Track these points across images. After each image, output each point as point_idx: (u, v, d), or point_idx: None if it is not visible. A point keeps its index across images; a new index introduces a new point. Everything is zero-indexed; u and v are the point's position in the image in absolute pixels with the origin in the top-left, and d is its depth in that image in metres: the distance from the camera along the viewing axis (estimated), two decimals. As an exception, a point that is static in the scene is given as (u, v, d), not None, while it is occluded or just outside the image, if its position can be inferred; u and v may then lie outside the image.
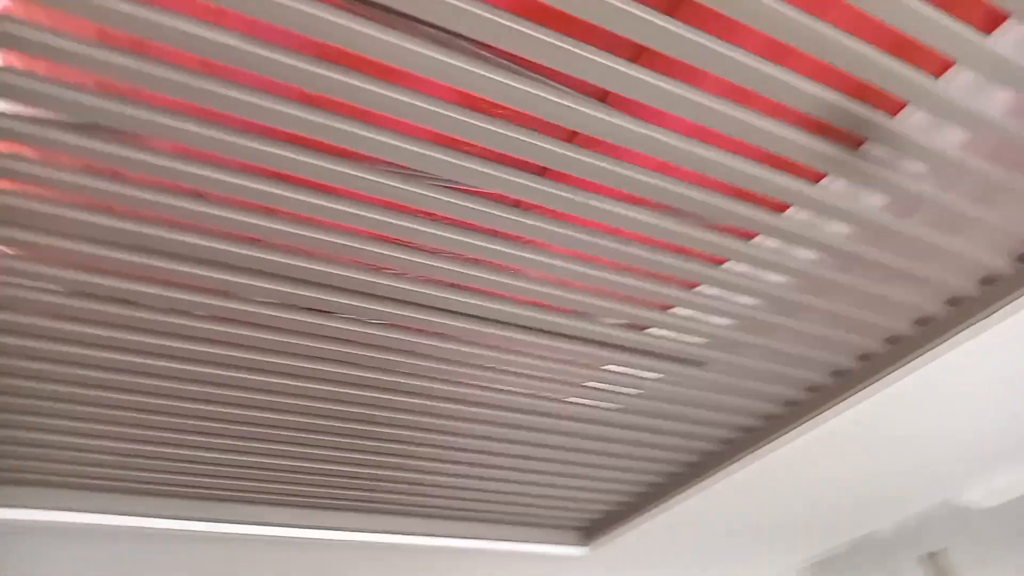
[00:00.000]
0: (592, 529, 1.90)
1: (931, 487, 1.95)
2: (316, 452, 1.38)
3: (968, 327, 1.18)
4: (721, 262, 1.10)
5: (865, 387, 1.34)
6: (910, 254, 1.07)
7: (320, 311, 1.05)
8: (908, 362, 1.27)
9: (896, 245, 1.05)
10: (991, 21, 0.91)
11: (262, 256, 0.93)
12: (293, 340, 1.08)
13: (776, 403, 1.43)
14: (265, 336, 1.07)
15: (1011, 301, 1.12)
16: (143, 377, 1.12)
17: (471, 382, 1.25)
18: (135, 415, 1.21)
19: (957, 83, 0.88)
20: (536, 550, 1.87)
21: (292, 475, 1.45)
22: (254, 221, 0.88)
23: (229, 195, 0.84)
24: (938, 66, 0.88)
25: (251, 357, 1.11)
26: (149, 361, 1.09)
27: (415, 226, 0.91)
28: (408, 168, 0.84)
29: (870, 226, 1.01)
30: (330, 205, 0.87)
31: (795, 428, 1.46)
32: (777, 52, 0.77)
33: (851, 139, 0.90)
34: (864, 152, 0.92)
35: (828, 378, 1.37)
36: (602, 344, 1.20)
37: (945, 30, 0.76)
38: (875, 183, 0.95)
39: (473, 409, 1.32)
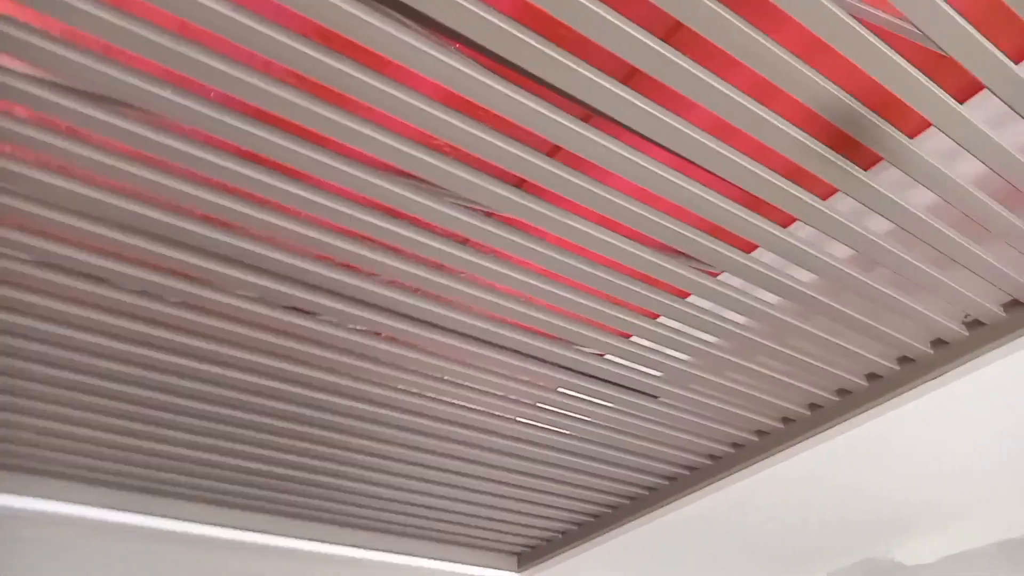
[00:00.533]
0: (527, 556, 1.88)
1: (864, 542, 1.97)
2: (254, 451, 1.33)
3: (920, 384, 1.21)
4: (685, 296, 1.10)
5: (810, 436, 1.35)
6: (867, 308, 1.09)
7: (273, 303, 1.02)
8: (855, 415, 1.29)
9: (855, 298, 1.06)
10: (968, 90, 0.94)
11: (233, 243, 0.90)
12: (247, 332, 1.05)
13: (723, 443, 1.44)
14: (215, 324, 1.04)
15: (963, 363, 1.15)
16: (99, 359, 1.08)
17: (421, 392, 1.23)
18: (89, 398, 1.16)
19: (928, 146, 0.90)
20: (468, 572, 1.83)
21: (222, 472, 1.40)
22: (232, 205, 0.85)
23: (210, 176, 0.82)
24: (913, 127, 0.90)
25: (200, 345, 1.07)
26: (104, 342, 1.05)
27: (384, 224, 0.89)
28: (384, 163, 0.82)
29: (832, 275, 1.02)
30: (305, 195, 0.84)
31: (739, 471, 1.46)
32: (763, 92, 0.78)
33: (824, 186, 0.91)
34: (832, 203, 0.94)
35: (777, 423, 1.38)
36: (559, 366, 1.19)
37: (924, 91, 0.78)
38: (840, 234, 0.96)
39: (420, 420, 1.29)
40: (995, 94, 0.79)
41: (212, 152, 0.79)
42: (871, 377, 1.26)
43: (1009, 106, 0.81)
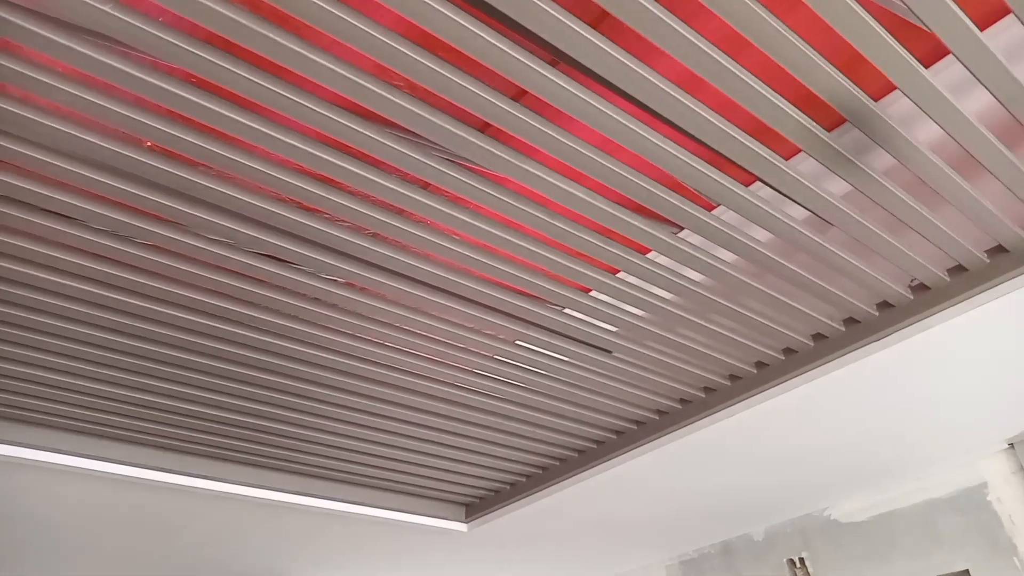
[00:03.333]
0: (475, 507, 1.90)
1: (802, 499, 2.04)
2: (210, 397, 1.31)
3: (864, 345, 1.24)
4: (646, 252, 1.10)
5: (757, 393, 1.38)
6: (818, 270, 1.11)
7: (228, 243, 0.99)
8: (801, 373, 1.32)
9: (807, 259, 1.08)
10: (933, 55, 0.94)
11: (195, 180, 0.86)
12: (211, 275, 1.02)
13: (671, 399, 1.46)
14: (182, 267, 1.00)
15: (907, 326, 1.19)
16: (62, 300, 1.04)
17: (378, 340, 1.22)
18: (51, 340, 1.12)
19: (892, 110, 0.91)
20: (416, 521, 1.85)
21: (173, 417, 1.37)
22: (191, 139, 0.82)
23: (166, 104, 0.78)
24: (879, 89, 0.91)
25: (165, 288, 1.04)
26: (67, 282, 1.01)
27: (343, 163, 0.87)
28: (343, 98, 0.79)
29: (788, 236, 1.03)
30: (263, 129, 0.81)
31: (685, 426, 1.49)
32: (732, 45, 0.77)
33: (788, 146, 0.92)
34: (794, 163, 0.95)
35: (725, 380, 1.40)
36: (518, 319, 1.19)
37: (892, 54, 0.78)
38: (799, 195, 0.97)
39: (376, 369, 1.28)
40: (960, 60, 0.80)
41: (166, 79, 0.75)
42: (817, 337, 1.29)
43: (972, 73, 0.82)
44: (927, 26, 0.76)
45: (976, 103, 0.90)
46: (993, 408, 1.56)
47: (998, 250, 1.10)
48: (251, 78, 0.75)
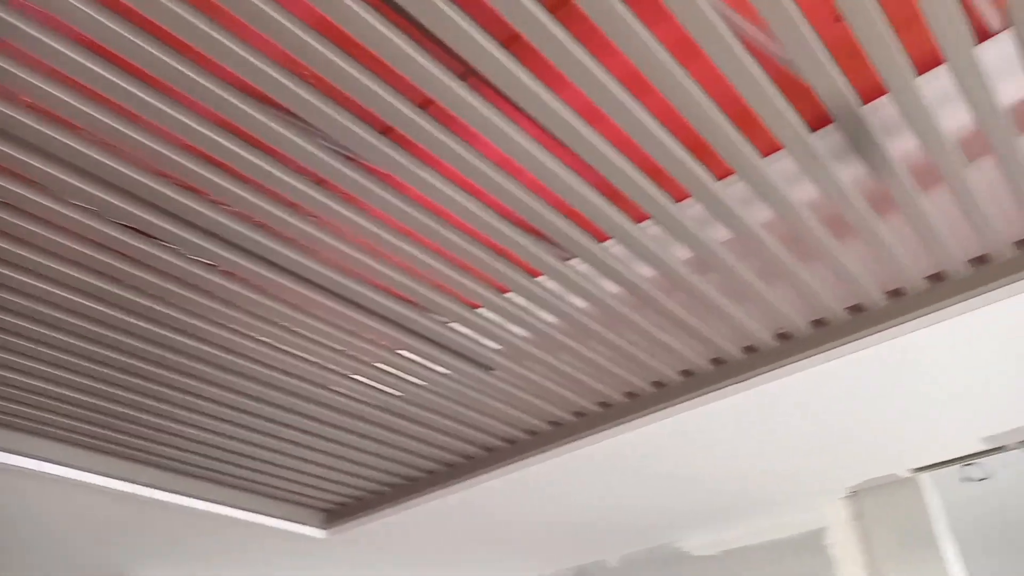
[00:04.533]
0: (336, 513, 1.85)
1: (658, 529, 2.12)
2: (58, 374, 1.21)
3: (730, 384, 1.31)
4: (537, 275, 1.12)
5: (626, 421, 1.42)
6: (693, 308, 1.16)
7: (91, 211, 0.92)
8: (669, 406, 1.38)
9: (684, 297, 1.13)
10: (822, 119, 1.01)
11: (73, 145, 0.80)
12: (76, 245, 0.95)
13: (543, 420, 1.48)
14: (42, 232, 0.93)
15: (772, 370, 1.26)
16: None
17: (252, 334, 1.17)
18: None
19: (776, 167, 0.97)
20: (272, 524, 1.78)
21: (30, 396, 1.26)
22: (72, 101, 0.76)
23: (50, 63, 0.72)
24: (767, 146, 0.96)
25: (21, 253, 0.96)
26: None
27: (239, 150, 0.83)
28: (245, 83, 0.76)
29: (670, 275, 1.08)
30: (156, 104, 0.77)
31: (553, 448, 1.52)
32: (637, 84, 0.80)
33: (678, 189, 0.96)
34: (683, 206, 0.99)
35: (595, 406, 1.44)
36: (400, 327, 1.17)
37: (779, 114, 0.83)
38: (684, 237, 1.01)
39: (246, 363, 1.23)
40: (840, 128, 0.86)
41: (55, 38, 0.70)
42: (684, 373, 1.34)
43: (850, 141, 0.88)
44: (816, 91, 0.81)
45: (850, 171, 0.97)
46: (837, 457, 1.67)
47: (856, 308, 1.19)
48: (149, 48, 0.71)
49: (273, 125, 0.80)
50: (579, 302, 1.16)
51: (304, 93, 0.77)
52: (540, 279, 1.11)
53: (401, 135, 0.82)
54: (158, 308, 1.09)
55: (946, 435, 1.61)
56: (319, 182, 0.91)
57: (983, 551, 3.00)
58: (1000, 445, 1.71)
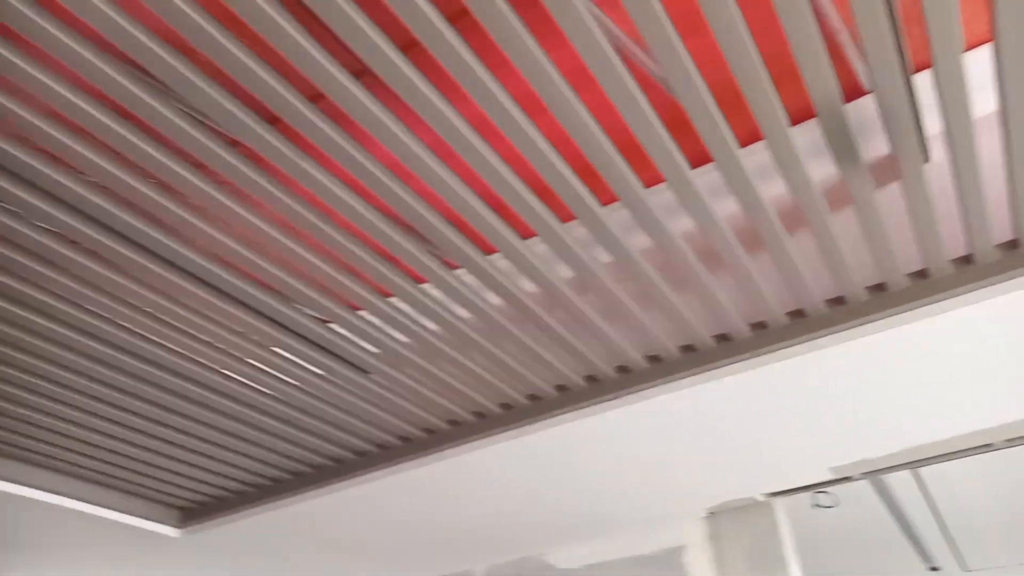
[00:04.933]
0: (193, 512, 1.77)
1: (524, 541, 2.14)
2: None
3: (604, 401, 1.34)
4: (422, 281, 1.11)
5: (500, 432, 1.44)
6: (572, 325, 1.19)
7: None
8: (542, 420, 1.40)
9: (563, 315, 1.15)
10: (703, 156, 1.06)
11: None
12: None
13: (417, 427, 1.48)
14: None
15: (643, 389, 1.30)
16: None
17: (116, 320, 1.11)
18: None
19: (657, 199, 1.01)
20: (125, 520, 1.68)
21: None
22: None
23: None
24: (651, 177, 1.00)
25: None
26: None
27: (108, 120, 0.79)
28: (117, 49, 0.72)
29: (551, 292, 1.10)
30: (16, 61, 0.71)
31: (426, 455, 1.51)
32: (532, 104, 0.82)
33: (565, 210, 0.98)
34: (569, 227, 1.01)
35: (470, 416, 1.44)
36: (277, 324, 1.14)
37: (664, 149, 0.87)
38: (568, 257, 1.04)
39: (107, 351, 1.16)
40: (719, 168, 0.91)
41: None
42: (560, 388, 1.37)
43: (726, 181, 0.93)
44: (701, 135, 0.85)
45: (725, 209, 1.02)
46: (698, 479, 1.75)
47: (722, 337, 1.25)
48: (17, 5, 0.66)
49: (152, 102, 0.76)
50: (462, 312, 1.16)
51: (187, 72, 0.73)
52: (425, 286, 1.11)
53: (289, 127, 0.80)
54: (5, 282, 1.01)
55: (798, 464, 1.71)
56: (199, 167, 0.87)
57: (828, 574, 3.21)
58: (846, 476, 1.84)
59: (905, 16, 0.87)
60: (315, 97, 0.78)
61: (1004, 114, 0.83)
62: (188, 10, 0.68)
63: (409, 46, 0.75)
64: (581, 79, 0.81)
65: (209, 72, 0.75)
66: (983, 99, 0.92)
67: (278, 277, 1.03)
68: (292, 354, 1.21)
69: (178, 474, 1.58)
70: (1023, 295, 1.09)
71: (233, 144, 0.85)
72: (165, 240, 0.95)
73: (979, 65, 0.94)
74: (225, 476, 1.60)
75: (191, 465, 1.54)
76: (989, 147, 0.94)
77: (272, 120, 0.81)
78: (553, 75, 0.76)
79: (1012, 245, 1.06)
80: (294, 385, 1.30)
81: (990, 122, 0.95)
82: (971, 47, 1.05)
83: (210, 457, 1.51)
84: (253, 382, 1.28)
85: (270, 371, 1.26)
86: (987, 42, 0.98)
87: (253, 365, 1.24)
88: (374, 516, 1.82)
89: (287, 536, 1.89)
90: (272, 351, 1.21)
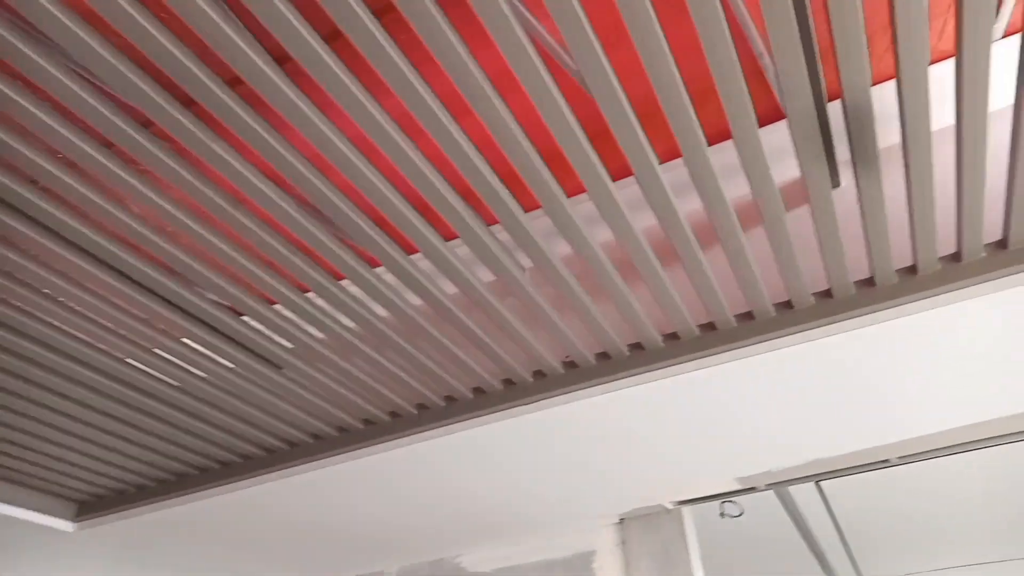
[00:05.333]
0: (90, 505, 1.69)
1: (439, 543, 2.13)
2: None
3: (518, 405, 1.35)
4: (340, 278, 1.09)
5: (413, 433, 1.43)
6: (490, 329, 1.19)
7: None
8: (454, 422, 1.40)
9: (482, 317, 1.16)
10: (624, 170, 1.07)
11: None
12: None
13: (330, 425, 1.45)
14: None
15: (560, 394, 1.32)
16: None
17: (11, 300, 1.05)
18: None
19: (581, 208, 1.02)
20: (16, 514, 1.60)
21: None
22: None
23: None
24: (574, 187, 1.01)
25: None
26: None
27: (10, 92, 0.75)
28: (34, 27, 0.69)
29: (472, 294, 1.10)
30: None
31: (337, 455, 1.49)
32: (457, 104, 0.82)
33: (489, 213, 0.98)
34: (494, 229, 1.02)
35: (385, 415, 1.43)
36: (186, 314, 1.10)
37: (587, 159, 0.88)
38: (490, 260, 1.04)
39: (7, 336, 1.10)
40: (639, 183, 0.93)
41: None
42: (476, 391, 1.37)
43: (645, 193, 0.95)
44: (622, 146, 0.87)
45: (644, 221, 1.04)
46: (609, 485, 1.78)
47: (637, 347, 1.27)
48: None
49: (58, 75, 0.73)
50: (380, 310, 1.15)
51: (99, 48, 0.70)
52: (343, 283, 1.09)
53: (205, 110, 0.78)
54: None
55: (705, 473, 1.76)
56: (108, 145, 0.84)
57: (730, 580, 3.31)
58: (752, 486, 1.91)
59: (823, 47, 0.90)
60: (233, 81, 0.76)
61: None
62: (101, -18, 0.65)
63: (333, 36, 0.74)
64: (507, 82, 0.82)
65: (122, 48, 0.72)
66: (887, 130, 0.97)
67: (188, 265, 1.00)
68: (201, 345, 1.17)
69: (75, 465, 1.51)
70: (922, 317, 1.15)
71: (146, 125, 0.82)
72: (67, 219, 0.91)
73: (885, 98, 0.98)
74: (125, 468, 1.54)
75: (89, 456, 1.47)
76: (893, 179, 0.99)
77: (187, 102, 0.79)
78: (477, 75, 0.76)
79: (910, 271, 1.12)
80: (201, 377, 1.26)
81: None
82: (878, 81, 1.11)
83: (110, 448, 1.45)
84: (158, 372, 1.24)
85: (176, 361, 1.21)
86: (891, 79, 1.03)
87: (158, 354, 1.19)
88: (283, 515, 1.78)
89: (189, 533, 1.83)
90: (179, 341, 1.17)
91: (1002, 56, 0.90)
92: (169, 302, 1.08)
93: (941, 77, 0.92)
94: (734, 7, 1.08)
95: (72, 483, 1.58)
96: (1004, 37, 1.14)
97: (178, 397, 1.30)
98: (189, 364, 1.22)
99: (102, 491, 1.64)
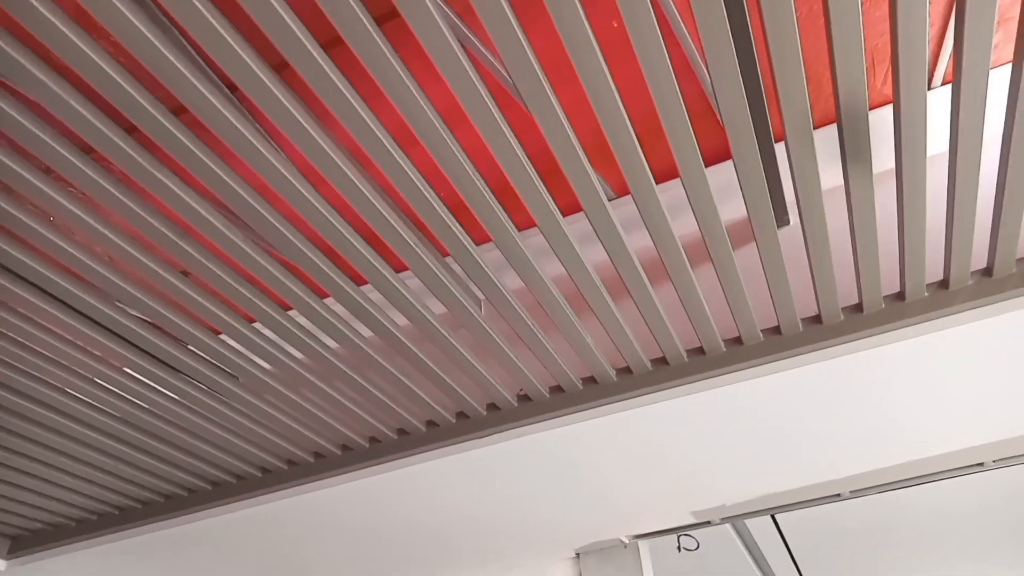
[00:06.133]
0: (23, 541, 1.62)
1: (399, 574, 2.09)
2: None
3: (471, 439, 1.34)
4: (287, 308, 1.08)
5: (367, 466, 1.40)
6: (441, 361, 1.18)
7: None
8: (408, 455, 1.38)
9: (434, 350, 1.15)
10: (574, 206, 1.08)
11: None
12: None
13: (279, 459, 1.42)
14: None
15: (512, 428, 1.31)
16: None
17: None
18: None
19: (531, 242, 1.03)
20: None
21: None
22: None
23: None
24: (525, 220, 1.02)
25: None
26: None
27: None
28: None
29: (423, 326, 1.09)
30: None
31: (288, 487, 1.46)
32: (406, 138, 0.82)
33: (440, 245, 0.98)
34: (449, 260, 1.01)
35: (335, 448, 1.41)
36: (128, 343, 1.07)
37: (538, 195, 0.88)
38: (441, 292, 1.03)
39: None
40: (589, 220, 0.93)
41: None
42: (429, 424, 1.36)
43: (595, 231, 0.95)
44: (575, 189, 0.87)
45: (593, 256, 1.05)
46: (565, 519, 1.76)
47: (590, 380, 1.27)
48: None
49: (-7, 98, 0.71)
50: (330, 342, 1.13)
51: (40, 73, 0.69)
52: (291, 313, 1.07)
53: (148, 138, 0.77)
54: None
55: (660, 508, 1.75)
56: (47, 171, 0.82)
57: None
58: (707, 520, 1.91)
59: (769, 90, 0.92)
60: (178, 110, 0.75)
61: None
62: (45, 11, 0.64)
63: (281, 66, 0.74)
64: (457, 116, 0.82)
65: (61, 71, 0.70)
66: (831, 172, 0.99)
67: (130, 294, 0.97)
68: (142, 375, 1.14)
69: (8, 499, 1.45)
70: (868, 354, 1.17)
71: (86, 151, 0.80)
72: (4, 246, 0.88)
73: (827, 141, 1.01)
74: (63, 502, 1.48)
75: (24, 489, 1.42)
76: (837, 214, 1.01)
77: (130, 129, 0.77)
78: (427, 110, 0.76)
79: (856, 308, 1.14)
80: (144, 408, 1.22)
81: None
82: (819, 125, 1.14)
83: (46, 480, 1.39)
84: (98, 402, 1.20)
85: (117, 391, 1.18)
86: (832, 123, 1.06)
87: (99, 384, 1.16)
88: (232, 550, 1.73)
89: (131, 570, 1.76)
90: (120, 370, 1.13)
91: (939, 103, 0.94)
92: (110, 331, 1.05)
93: (883, 119, 0.95)
94: (684, 46, 1.11)
95: (5, 517, 1.52)
96: (943, 85, 1.18)
97: (118, 428, 1.26)
98: (130, 394, 1.18)
99: (37, 525, 1.58)
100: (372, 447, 1.39)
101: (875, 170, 0.88)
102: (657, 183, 0.89)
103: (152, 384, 1.17)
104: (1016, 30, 0.74)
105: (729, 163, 1.24)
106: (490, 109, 0.76)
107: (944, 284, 1.09)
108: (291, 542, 1.72)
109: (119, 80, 0.70)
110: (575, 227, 0.97)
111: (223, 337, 1.09)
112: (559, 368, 1.21)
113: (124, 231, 0.89)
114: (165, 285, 0.96)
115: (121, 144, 0.77)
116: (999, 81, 0.96)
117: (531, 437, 1.35)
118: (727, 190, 1.14)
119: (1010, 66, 0.76)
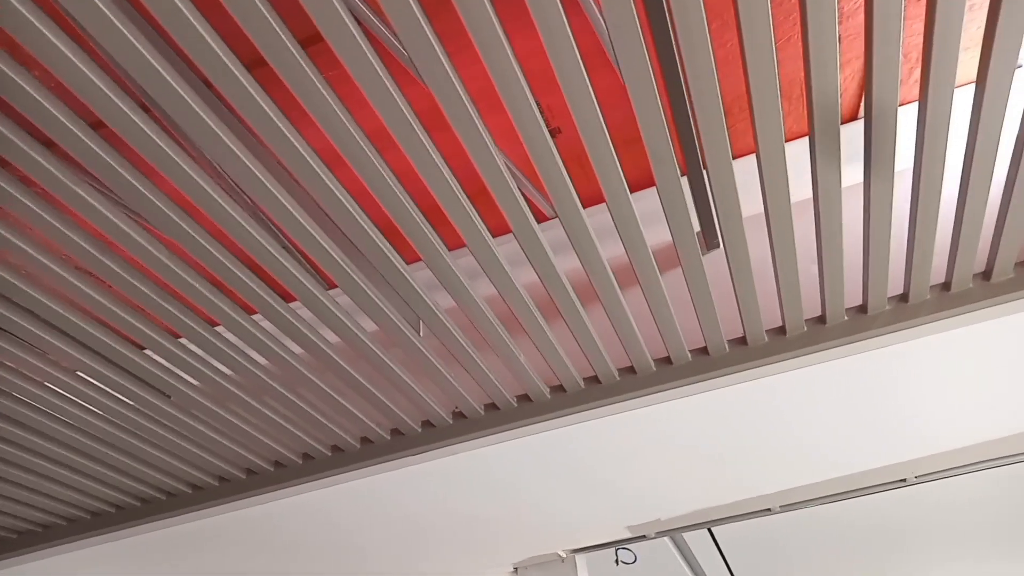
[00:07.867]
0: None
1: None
2: None
3: (406, 455, 1.33)
4: (214, 324, 1.06)
5: (300, 483, 1.39)
6: (374, 379, 1.18)
7: None
8: (343, 471, 1.37)
9: (367, 367, 1.14)
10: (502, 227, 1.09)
11: None
12: None
13: (210, 475, 1.40)
14: None
15: (448, 444, 1.31)
16: None
17: None
18: None
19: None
20: None
21: None
22: None
23: None
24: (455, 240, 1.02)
25: None
26: None
27: None
28: None
29: (354, 344, 1.09)
30: None
31: (223, 503, 1.43)
32: (330, 156, 0.82)
33: (369, 266, 0.98)
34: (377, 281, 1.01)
35: (268, 465, 1.39)
36: (47, 359, 1.04)
37: (465, 216, 0.89)
38: (372, 311, 1.03)
39: None
40: (516, 238, 0.94)
41: None
42: (364, 441, 1.35)
43: (525, 252, 0.96)
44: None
45: (526, 276, 1.06)
46: (503, 534, 1.77)
47: (524, 398, 1.28)
48: None
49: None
50: (259, 358, 1.12)
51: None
52: (218, 328, 1.06)
53: (65, 152, 0.75)
54: None
55: (597, 522, 1.77)
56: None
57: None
58: (643, 534, 1.93)
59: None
60: (96, 124, 0.74)
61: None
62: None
63: (210, 84, 0.73)
64: (386, 140, 0.82)
65: (-28, 85, 0.69)
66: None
67: (52, 310, 0.95)
68: (63, 389, 1.11)
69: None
70: (791, 375, 1.20)
71: (2, 164, 0.78)
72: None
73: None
74: (32, 506, 1.43)
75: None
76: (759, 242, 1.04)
77: (47, 143, 0.76)
78: (355, 133, 0.76)
79: (780, 331, 1.18)
80: (66, 422, 1.19)
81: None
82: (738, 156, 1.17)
83: (10, 482, 1.34)
84: (54, 411, 1.16)
85: (35, 404, 1.14)
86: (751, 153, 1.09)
87: (54, 391, 1.12)
88: (169, 568, 1.69)
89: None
90: (41, 385, 1.10)
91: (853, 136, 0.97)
92: (32, 346, 1.02)
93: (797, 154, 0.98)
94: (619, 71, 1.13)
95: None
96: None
97: (37, 443, 1.22)
98: (51, 409, 1.15)
99: (5, 533, 1.52)
100: (305, 463, 1.38)
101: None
102: (585, 207, 0.90)
103: (73, 398, 1.13)
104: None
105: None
106: (418, 134, 0.77)
107: (863, 309, 1.14)
108: (224, 561, 1.69)
109: (35, 95, 0.69)
110: (506, 248, 0.98)
111: (147, 352, 1.07)
112: (493, 387, 1.22)
113: (44, 246, 0.87)
114: (87, 300, 0.94)
115: (38, 158, 0.75)
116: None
117: (467, 454, 1.35)
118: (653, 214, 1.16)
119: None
